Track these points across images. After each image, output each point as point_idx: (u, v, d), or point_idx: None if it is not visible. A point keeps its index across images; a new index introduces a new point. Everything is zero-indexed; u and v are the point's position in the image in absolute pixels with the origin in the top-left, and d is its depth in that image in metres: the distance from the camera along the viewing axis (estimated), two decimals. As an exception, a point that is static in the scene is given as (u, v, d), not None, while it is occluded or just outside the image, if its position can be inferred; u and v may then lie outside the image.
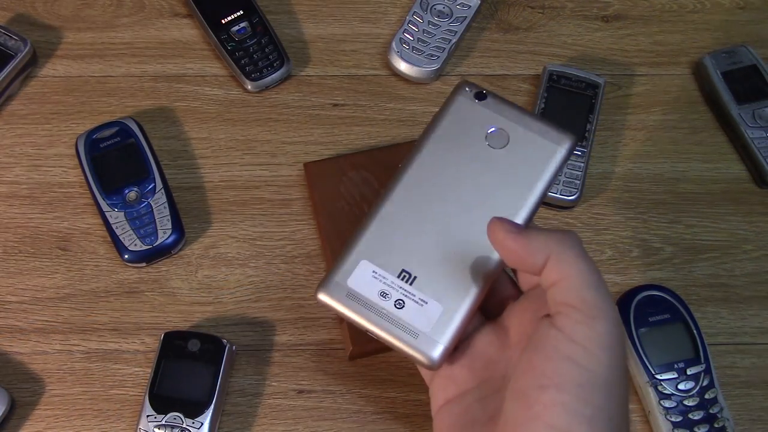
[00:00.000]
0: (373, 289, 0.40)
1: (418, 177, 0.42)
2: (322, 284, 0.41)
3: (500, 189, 0.42)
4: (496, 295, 0.42)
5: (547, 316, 0.36)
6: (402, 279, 0.40)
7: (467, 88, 0.44)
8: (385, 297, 0.40)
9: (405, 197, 0.42)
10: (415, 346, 0.39)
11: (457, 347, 0.40)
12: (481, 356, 0.40)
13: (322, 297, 0.40)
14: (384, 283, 0.40)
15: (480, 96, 0.44)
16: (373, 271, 0.41)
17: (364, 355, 0.57)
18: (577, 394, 0.33)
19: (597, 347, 0.34)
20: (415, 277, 0.40)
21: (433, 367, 0.39)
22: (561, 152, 0.42)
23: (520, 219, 0.41)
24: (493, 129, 0.43)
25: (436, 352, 0.39)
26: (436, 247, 0.41)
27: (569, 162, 0.62)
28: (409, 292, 0.40)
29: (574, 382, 0.33)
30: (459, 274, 0.40)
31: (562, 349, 0.34)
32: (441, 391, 0.40)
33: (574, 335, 0.34)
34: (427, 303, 0.40)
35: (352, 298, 0.40)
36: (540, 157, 0.42)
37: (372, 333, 0.40)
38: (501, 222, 0.37)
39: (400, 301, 0.40)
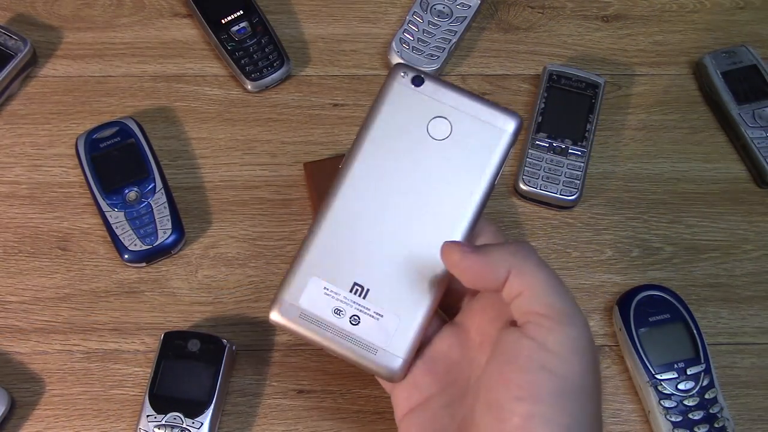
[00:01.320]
0: (327, 306, 0.39)
1: (361, 180, 0.40)
2: (274, 305, 0.39)
3: (446, 184, 0.40)
4: (452, 291, 0.41)
5: (513, 324, 0.36)
6: (355, 293, 0.39)
7: (402, 73, 0.41)
8: (339, 314, 0.39)
9: (348, 204, 0.40)
10: (374, 363, 0.39)
11: (418, 352, 0.39)
12: (442, 360, 0.39)
13: (276, 318, 0.39)
14: (337, 299, 0.39)
15: (417, 81, 0.41)
16: (325, 288, 0.39)
17: (364, 355, 0.57)
18: (553, 404, 0.33)
19: (570, 353, 0.34)
20: (368, 290, 0.39)
21: (395, 380, 0.39)
22: (506, 137, 0.40)
23: (469, 213, 0.39)
24: (434, 118, 0.41)
25: (396, 366, 0.38)
26: (385, 254, 0.39)
27: (569, 162, 0.62)
28: (364, 307, 0.39)
29: (550, 392, 0.33)
30: (412, 281, 0.39)
31: (536, 359, 0.33)
32: (404, 399, 0.39)
33: (547, 343, 0.34)
34: (382, 316, 0.39)
35: (306, 318, 0.39)
36: (485, 145, 0.40)
37: (329, 351, 0.39)
38: (454, 245, 0.37)
39: (356, 317, 0.39)
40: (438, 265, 0.39)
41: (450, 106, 0.41)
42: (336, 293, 0.39)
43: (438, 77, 0.42)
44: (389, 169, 0.40)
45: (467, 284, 0.37)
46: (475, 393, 0.36)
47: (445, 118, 0.41)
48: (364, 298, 0.39)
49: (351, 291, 0.39)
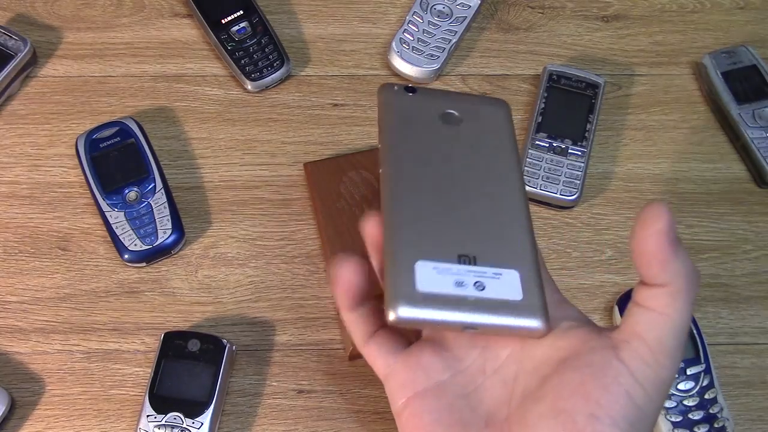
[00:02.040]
0: (446, 283, 0.36)
1: (406, 168, 0.40)
2: (393, 302, 0.35)
3: (487, 155, 0.41)
4: None
5: (603, 333, 0.35)
6: (464, 263, 0.37)
7: (395, 87, 0.42)
8: (462, 286, 0.36)
9: (408, 188, 0.39)
10: (519, 319, 0.35)
11: (421, 335, 0.38)
12: (450, 347, 0.38)
13: (404, 314, 0.35)
14: (451, 273, 0.36)
15: (410, 90, 0.42)
16: (434, 268, 0.36)
17: (364, 355, 0.57)
18: (625, 431, 0.32)
19: (655, 392, 0.33)
20: (474, 257, 0.37)
21: (543, 332, 0.36)
22: (506, 115, 0.43)
23: (517, 177, 0.40)
24: (441, 113, 0.42)
25: (540, 315, 0.35)
26: (471, 222, 0.38)
27: (569, 162, 0.62)
28: (480, 272, 0.36)
29: (627, 420, 0.32)
30: (509, 238, 0.38)
31: (623, 384, 0.33)
32: (409, 381, 0.37)
33: (637, 374, 0.33)
34: (501, 275, 0.37)
35: (433, 301, 0.35)
36: (495, 123, 0.42)
37: (470, 326, 0.36)
38: (666, 222, 0.33)
39: (479, 283, 0.36)
40: (521, 216, 0.38)
41: (449, 102, 0.42)
42: (448, 268, 0.36)
43: (426, 87, 0.44)
44: (427, 152, 0.40)
45: (633, 252, 0.34)
46: (519, 391, 0.35)
47: (451, 111, 0.42)
48: (475, 265, 0.37)
49: (460, 263, 0.37)
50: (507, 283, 0.36)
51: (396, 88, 0.42)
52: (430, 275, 0.36)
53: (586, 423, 0.32)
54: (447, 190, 0.39)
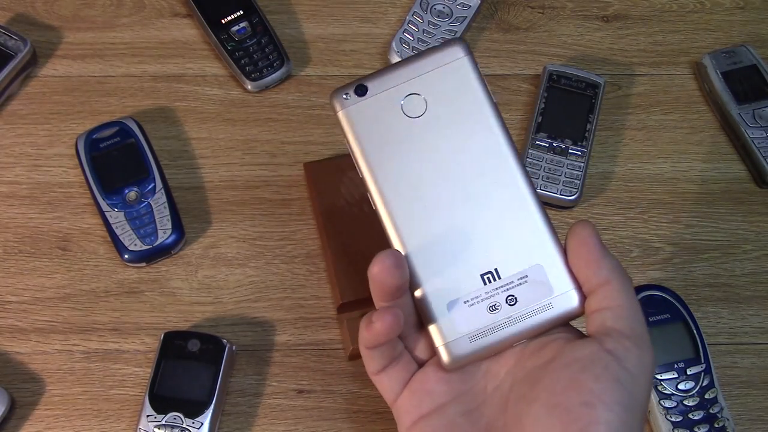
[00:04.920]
0: (481, 314, 0.37)
1: (398, 197, 0.38)
2: (444, 352, 0.37)
3: (462, 134, 0.38)
4: None
5: (582, 334, 0.37)
6: (489, 282, 0.37)
7: (344, 96, 0.39)
8: (497, 309, 0.37)
9: (409, 224, 0.38)
10: (557, 315, 0.37)
11: (430, 361, 0.39)
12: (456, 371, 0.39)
13: (457, 360, 0.37)
14: (482, 300, 0.37)
15: (360, 90, 0.39)
16: (464, 302, 0.37)
17: (364, 355, 0.57)
18: (620, 415, 0.34)
19: (641, 374, 0.35)
20: (495, 269, 0.37)
21: (580, 310, 0.37)
22: (466, 62, 0.39)
23: (501, 137, 0.38)
24: (405, 98, 0.39)
25: (576, 299, 0.37)
26: (482, 229, 0.37)
27: (569, 162, 0.62)
28: (507, 284, 0.37)
29: (620, 403, 0.34)
30: (522, 229, 0.37)
31: (612, 371, 0.35)
32: (414, 407, 0.39)
33: (624, 361, 0.35)
34: (527, 276, 0.37)
35: (477, 338, 0.37)
36: (458, 82, 0.39)
37: (516, 341, 0.37)
38: (592, 229, 0.37)
39: (510, 297, 0.37)
40: (529, 205, 0.38)
41: (403, 83, 0.39)
42: (477, 296, 0.37)
43: (374, 71, 0.40)
44: (412, 160, 0.38)
45: (570, 261, 0.38)
46: (512, 399, 0.37)
47: (411, 94, 0.39)
48: (500, 278, 0.37)
49: (486, 283, 0.37)
50: (535, 283, 0.37)
51: (346, 97, 0.39)
52: (464, 312, 0.37)
53: (581, 411, 0.34)
54: (447, 202, 0.38)
